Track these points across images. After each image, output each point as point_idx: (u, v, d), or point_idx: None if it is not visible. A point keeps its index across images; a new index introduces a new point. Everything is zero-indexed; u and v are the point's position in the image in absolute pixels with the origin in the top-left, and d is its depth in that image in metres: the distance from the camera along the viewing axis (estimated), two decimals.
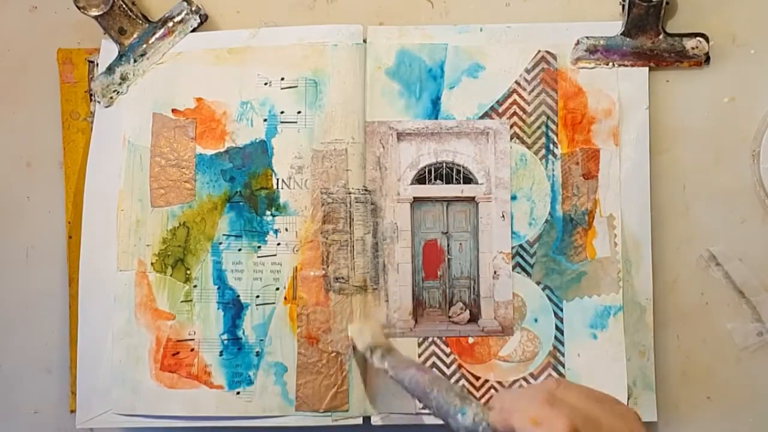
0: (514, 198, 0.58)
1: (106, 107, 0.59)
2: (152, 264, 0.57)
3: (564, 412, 0.40)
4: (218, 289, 0.57)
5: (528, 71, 0.58)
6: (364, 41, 0.59)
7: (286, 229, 0.57)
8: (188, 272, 0.57)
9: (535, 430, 0.40)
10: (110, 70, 0.59)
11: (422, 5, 0.60)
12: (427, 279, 0.58)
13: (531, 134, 0.58)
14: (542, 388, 0.43)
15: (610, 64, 0.58)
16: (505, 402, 0.43)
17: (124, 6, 0.58)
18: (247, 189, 0.58)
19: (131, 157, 0.58)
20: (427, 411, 0.56)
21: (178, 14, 0.59)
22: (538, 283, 0.57)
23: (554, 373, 0.56)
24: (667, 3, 0.57)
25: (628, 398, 0.56)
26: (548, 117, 0.58)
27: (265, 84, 0.58)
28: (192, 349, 0.57)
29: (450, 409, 0.45)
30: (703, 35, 0.58)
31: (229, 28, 0.60)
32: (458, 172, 0.58)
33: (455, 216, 0.58)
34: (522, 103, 0.58)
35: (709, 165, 0.58)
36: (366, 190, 0.58)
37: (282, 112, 0.58)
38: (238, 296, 0.57)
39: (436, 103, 0.58)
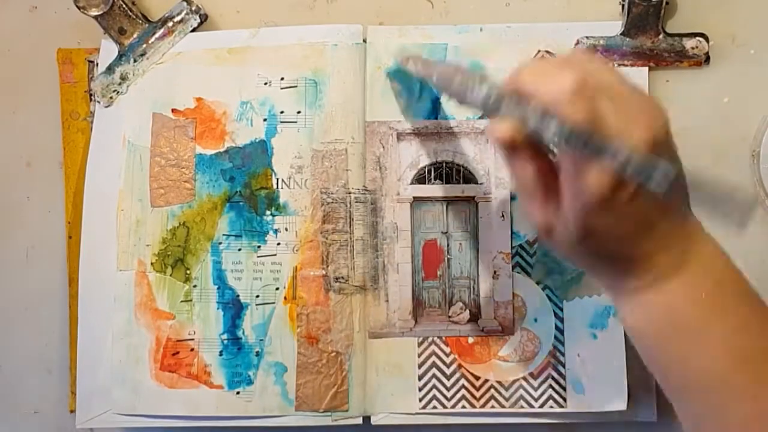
0: (514, 198, 0.57)
1: (106, 107, 0.59)
2: (152, 264, 0.57)
3: (572, 68, 0.38)
4: (218, 289, 0.57)
5: None
6: (364, 41, 0.59)
7: (286, 229, 0.57)
8: (188, 272, 0.57)
9: (536, 84, 0.38)
10: (110, 70, 0.59)
11: (422, 5, 0.60)
12: (427, 279, 0.58)
13: None
14: (561, 55, 0.40)
15: (610, 63, 0.58)
16: (519, 67, 0.41)
17: (124, 6, 0.58)
18: (247, 189, 0.58)
19: (131, 157, 0.58)
20: (426, 411, 0.56)
21: (178, 14, 0.59)
22: (538, 283, 0.57)
23: (554, 373, 0.56)
24: (667, 3, 0.57)
25: (629, 398, 0.56)
26: None
27: (265, 84, 0.58)
28: (192, 349, 0.57)
29: (468, 88, 0.43)
30: (703, 35, 0.58)
31: (229, 28, 0.60)
32: (458, 171, 0.58)
33: (455, 216, 0.58)
34: None
35: (709, 165, 0.58)
36: (366, 190, 0.58)
37: (282, 112, 0.58)
38: (238, 296, 0.57)
39: (436, 103, 0.58)
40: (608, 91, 0.38)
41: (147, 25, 0.59)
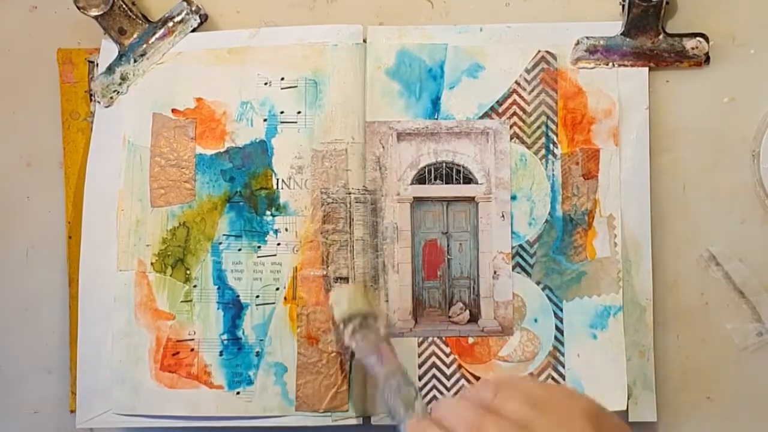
0: (514, 198, 0.57)
1: (106, 107, 0.59)
2: (152, 264, 0.57)
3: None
4: (218, 289, 0.57)
5: (528, 71, 0.58)
6: (364, 41, 0.59)
7: (286, 229, 0.57)
8: (188, 272, 0.57)
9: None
10: (110, 70, 0.59)
11: (422, 5, 0.60)
12: (427, 279, 0.58)
13: (531, 134, 0.58)
14: (477, 398, 0.40)
15: (610, 64, 0.58)
16: (438, 412, 0.41)
17: (124, 6, 0.58)
18: (247, 189, 0.58)
19: (131, 157, 0.58)
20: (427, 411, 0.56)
21: (178, 14, 0.59)
22: (538, 283, 0.57)
23: (554, 374, 0.56)
24: (667, 3, 0.57)
25: (629, 398, 0.56)
26: (548, 117, 0.58)
27: (265, 84, 0.58)
28: (192, 349, 0.57)
29: (396, 416, 0.44)
30: (703, 35, 0.58)
31: (229, 28, 0.60)
32: (458, 172, 0.58)
33: (455, 216, 0.58)
34: (522, 103, 0.58)
35: (709, 165, 0.58)
36: (366, 190, 0.58)
37: (282, 112, 0.58)
38: (238, 296, 0.57)
39: (436, 103, 0.58)
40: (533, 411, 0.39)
41: (147, 25, 0.59)
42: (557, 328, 0.57)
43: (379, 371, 0.47)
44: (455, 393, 0.56)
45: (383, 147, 0.58)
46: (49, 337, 0.61)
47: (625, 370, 0.56)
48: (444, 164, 0.58)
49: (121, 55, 0.59)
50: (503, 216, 0.57)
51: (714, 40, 0.58)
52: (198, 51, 0.59)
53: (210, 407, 0.56)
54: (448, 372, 0.57)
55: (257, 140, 0.58)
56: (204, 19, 0.59)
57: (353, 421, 0.56)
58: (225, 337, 0.57)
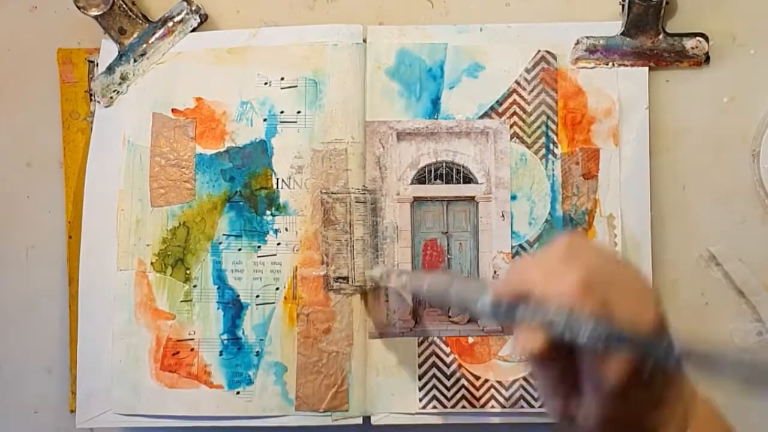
0: (514, 198, 0.57)
1: (106, 107, 0.59)
2: (152, 264, 0.57)
3: (577, 266, 0.38)
4: (218, 288, 0.57)
5: (528, 71, 0.58)
6: (364, 41, 0.59)
7: (286, 229, 0.57)
8: (188, 272, 0.57)
9: (544, 286, 0.38)
10: (110, 70, 0.59)
11: (422, 5, 0.60)
12: None
13: (531, 134, 0.58)
14: (558, 244, 0.40)
15: (610, 64, 0.58)
16: (518, 267, 0.41)
17: (124, 6, 0.58)
18: (247, 189, 0.58)
19: (131, 156, 0.58)
20: (426, 411, 0.56)
21: (178, 14, 0.59)
22: None
23: None
24: (666, 3, 0.57)
25: None
26: (548, 117, 0.58)
27: (265, 84, 0.58)
28: (192, 349, 0.57)
29: (469, 300, 0.43)
30: (703, 35, 0.58)
31: (229, 28, 0.60)
32: (458, 171, 0.58)
33: (455, 216, 0.58)
34: (522, 103, 0.58)
35: (709, 165, 0.58)
36: (366, 189, 0.58)
37: (282, 112, 0.58)
38: (238, 296, 0.57)
39: (436, 102, 0.58)
40: (613, 280, 0.39)
41: (147, 25, 0.59)
42: None
43: (442, 278, 0.47)
44: (455, 392, 0.56)
45: (383, 147, 0.58)
46: (49, 337, 0.61)
47: None
48: (444, 164, 0.58)
49: (121, 55, 0.59)
50: (503, 216, 0.57)
51: (714, 40, 0.58)
52: (198, 51, 0.59)
53: (210, 407, 0.56)
54: (448, 372, 0.57)
55: (257, 140, 0.58)
56: (204, 18, 0.59)
57: (353, 421, 0.56)
58: (225, 336, 0.57)
